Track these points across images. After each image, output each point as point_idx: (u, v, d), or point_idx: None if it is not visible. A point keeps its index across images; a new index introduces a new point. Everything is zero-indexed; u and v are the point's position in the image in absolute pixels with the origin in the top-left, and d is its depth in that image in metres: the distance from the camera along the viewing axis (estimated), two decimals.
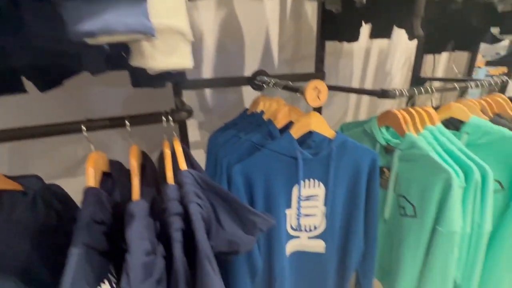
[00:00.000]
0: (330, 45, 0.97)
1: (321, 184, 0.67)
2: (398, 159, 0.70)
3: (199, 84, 0.82)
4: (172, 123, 0.49)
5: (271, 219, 0.51)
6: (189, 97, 1.09)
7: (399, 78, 1.62)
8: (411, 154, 0.67)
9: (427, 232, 0.65)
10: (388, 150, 0.73)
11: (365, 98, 1.47)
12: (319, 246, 0.73)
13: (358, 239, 0.73)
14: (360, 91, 0.81)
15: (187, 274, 0.39)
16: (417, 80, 1.15)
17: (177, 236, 0.40)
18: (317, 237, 0.72)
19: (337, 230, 0.72)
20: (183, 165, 0.47)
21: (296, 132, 0.62)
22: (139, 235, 0.40)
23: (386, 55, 1.45)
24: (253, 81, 0.84)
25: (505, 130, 0.70)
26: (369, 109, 1.52)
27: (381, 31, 0.84)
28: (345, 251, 0.75)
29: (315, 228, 0.71)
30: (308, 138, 0.69)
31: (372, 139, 0.77)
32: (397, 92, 0.70)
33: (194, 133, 1.12)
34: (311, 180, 0.66)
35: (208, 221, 0.46)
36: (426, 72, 1.30)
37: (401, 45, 1.46)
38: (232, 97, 1.14)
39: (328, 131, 0.64)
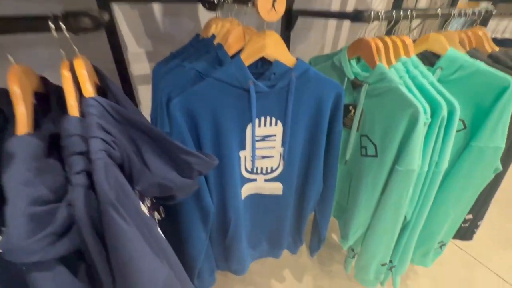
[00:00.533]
0: None
1: (279, 122, 0.59)
2: (366, 94, 0.63)
3: None
4: (66, 33, 0.35)
5: (212, 160, 0.43)
6: (135, 22, 0.89)
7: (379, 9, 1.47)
8: (380, 87, 0.59)
9: (385, 172, 0.63)
10: (356, 85, 0.65)
11: (344, 32, 1.33)
12: (276, 188, 0.69)
13: (317, 180, 0.70)
14: (330, 14, 0.68)
15: (94, 226, 0.31)
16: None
17: (77, 180, 0.31)
18: (274, 179, 0.68)
19: (295, 171, 0.67)
20: (86, 91, 0.36)
21: (247, 57, 0.51)
22: (21, 180, 0.30)
23: None
24: None
25: (480, 64, 0.64)
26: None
27: None
28: (303, 192, 0.72)
29: (272, 170, 0.66)
30: (264, 66, 0.58)
31: (341, 73, 0.68)
32: (372, 14, 0.59)
33: (142, 65, 0.95)
34: (267, 117, 0.58)
35: (128, 162, 0.37)
36: (408, 4, 1.17)
37: None
38: (187, 23, 0.96)
39: (287, 57, 0.53)
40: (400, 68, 0.62)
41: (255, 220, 0.75)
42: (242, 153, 0.60)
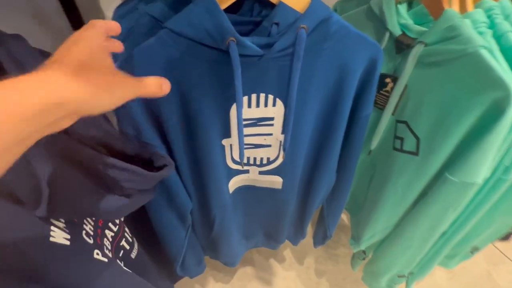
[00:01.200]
0: None
1: (278, 101, 0.40)
2: (418, 61, 0.41)
3: None
4: None
5: (159, 170, 0.27)
6: None
7: None
8: (444, 51, 0.37)
9: (427, 178, 0.45)
10: (402, 44, 0.42)
11: None
12: (274, 182, 0.54)
13: (329, 173, 0.53)
14: None
15: None
16: None
17: None
18: (271, 172, 0.51)
19: (299, 164, 0.50)
20: None
21: None
22: None
23: None
24: None
25: None
26: None
27: None
28: (309, 187, 0.56)
29: (268, 161, 0.49)
30: (263, 11, 0.38)
31: (379, 25, 0.45)
32: None
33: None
34: (262, 94, 0.39)
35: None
36: None
37: None
38: None
39: None
40: (480, 18, 0.38)
41: (249, 212, 0.62)
42: (226, 141, 0.44)
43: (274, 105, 0.40)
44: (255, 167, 0.50)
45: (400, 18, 0.43)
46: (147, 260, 0.53)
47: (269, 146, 0.46)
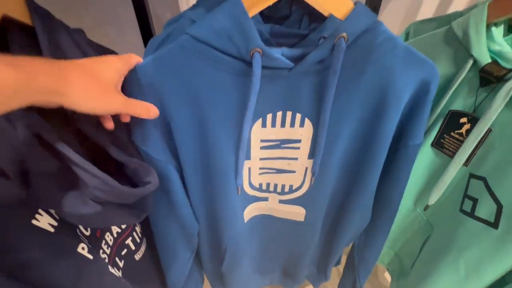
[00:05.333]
0: None
1: (307, 122, 0.34)
2: (510, 99, 0.30)
3: None
4: None
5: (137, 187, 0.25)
6: None
7: None
8: None
9: (507, 262, 0.31)
10: (489, 75, 0.32)
11: None
12: (296, 213, 0.46)
13: (361, 210, 0.43)
14: None
15: None
16: None
17: None
18: (293, 201, 0.44)
19: (327, 194, 0.42)
20: None
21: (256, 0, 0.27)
22: None
23: None
24: None
25: None
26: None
27: None
28: (337, 223, 0.47)
29: (290, 189, 0.43)
30: (312, 24, 0.33)
31: (461, 51, 0.36)
32: None
33: None
34: (288, 112, 0.34)
35: None
36: None
37: None
38: None
39: (336, 2, 0.27)
40: None
41: (266, 245, 0.54)
42: (245, 164, 0.39)
43: (302, 125, 0.35)
44: (275, 194, 0.44)
45: (492, 44, 0.33)
46: (152, 265, 0.51)
47: (293, 172, 0.40)
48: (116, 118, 0.30)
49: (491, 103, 0.31)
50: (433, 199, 0.41)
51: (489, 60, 0.32)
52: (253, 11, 0.27)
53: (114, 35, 0.90)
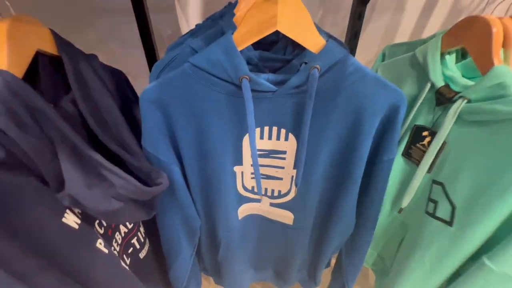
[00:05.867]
0: None
1: (291, 136, 0.40)
2: (458, 117, 0.36)
3: None
4: None
5: (153, 186, 0.31)
6: None
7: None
8: (489, 111, 0.32)
9: (460, 255, 0.36)
10: (442, 97, 0.38)
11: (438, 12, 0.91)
12: (285, 216, 0.52)
13: (345, 218, 0.48)
14: None
15: None
16: None
17: None
18: (282, 205, 0.50)
19: (313, 202, 0.48)
20: None
21: (245, 36, 0.33)
22: None
23: None
24: None
25: None
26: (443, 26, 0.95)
27: None
28: (324, 230, 0.52)
29: (280, 194, 0.48)
30: (296, 50, 0.39)
31: (422, 74, 0.42)
32: None
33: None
34: (275, 127, 0.40)
35: (30, 165, 0.28)
36: None
37: None
38: None
39: (310, 37, 0.33)
40: None
41: (259, 243, 0.60)
42: (238, 168, 0.45)
43: (286, 139, 0.40)
44: (266, 198, 0.50)
45: (446, 69, 0.39)
46: (154, 263, 0.56)
47: (280, 179, 0.46)
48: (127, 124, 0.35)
49: (444, 119, 0.37)
50: (405, 202, 0.47)
51: (443, 84, 0.38)
52: (242, 46, 0.33)
53: (119, 52, 0.96)
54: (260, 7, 0.31)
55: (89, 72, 0.37)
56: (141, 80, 1.00)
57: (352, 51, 0.67)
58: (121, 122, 0.38)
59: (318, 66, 0.32)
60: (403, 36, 0.94)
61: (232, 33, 0.33)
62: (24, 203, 0.27)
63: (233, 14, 0.41)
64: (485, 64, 0.33)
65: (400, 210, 0.49)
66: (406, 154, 0.46)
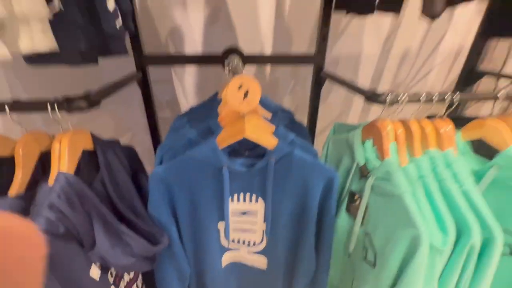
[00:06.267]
0: (335, 19, 0.74)
1: (260, 199, 0.55)
2: (371, 188, 0.52)
3: (159, 61, 0.73)
4: (58, 114, 0.42)
5: (156, 245, 0.44)
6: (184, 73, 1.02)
7: (438, 72, 1.24)
8: (384, 188, 0.49)
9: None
10: (362, 173, 0.55)
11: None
12: (260, 261, 0.64)
13: (306, 262, 0.61)
14: (351, 86, 0.60)
15: None
16: (469, 75, 0.83)
17: None
18: (258, 252, 0.63)
19: (281, 249, 0.61)
20: (58, 166, 0.42)
21: (225, 139, 0.50)
22: None
23: (420, 36, 1.10)
24: (223, 60, 0.71)
25: None
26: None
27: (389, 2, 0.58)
28: (292, 270, 0.64)
29: (254, 244, 0.62)
30: (246, 143, 0.56)
31: (352, 154, 0.59)
32: (388, 97, 0.49)
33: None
34: (247, 194, 0.55)
35: (78, 235, 0.41)
36: (489, 63, 0.93)
37: (448, 22, 1.09)
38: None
39: (267, 140, 0.50)
40: (424, 165, 0.49)
41: (239, 286, 0.71)
42: (221, 225, 0.59)
43: (256, 201, 0.55)
44: (244, 247, 0.63)
45: (365, 152, 0.57)
46: None
47: (254, 232, 0.59)
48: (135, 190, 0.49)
49: (364, 189, 0.53)
50: (351, 248, 0.61)
51: (363, 163, 0.55)
52: (222, 146, 0.49)
53: (122, 112, 1.13)
54: (235, 122, 0.48)
55: (114, 158, 0.52)
56: (141, 136, 1.16)
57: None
58: (134, 194, 0.52)
59: (273, 158, 0.49)
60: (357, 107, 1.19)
61: (216, 136, 0.50)
62: (70, 260, 0.39)
63: (217, 114, 0.58)
64: (382, 155, 0.50)
65: (349, 255, 0.63)
66: (347, 210, 0.61)
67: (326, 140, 0.73)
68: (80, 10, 0.45)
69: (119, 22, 0.56)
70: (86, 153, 0.50)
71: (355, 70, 1.21)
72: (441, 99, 0.51)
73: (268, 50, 0.97)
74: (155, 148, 0.90)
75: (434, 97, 0.51)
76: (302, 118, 0.91)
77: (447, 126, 0.52)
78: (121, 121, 1.17)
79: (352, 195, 0.59)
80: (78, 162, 0.46)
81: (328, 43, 0.75)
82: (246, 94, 0.42)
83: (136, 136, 1.21)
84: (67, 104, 0.43)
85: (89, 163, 0.50)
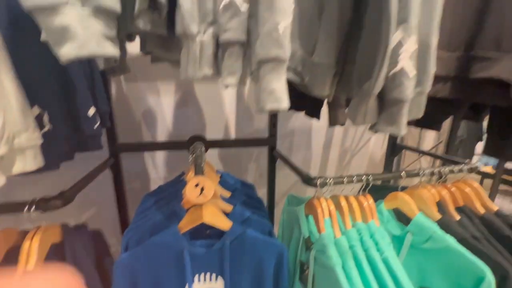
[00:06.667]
0: None
1: (220, 278, 0.60)
2: (314, 259, 0.61)
3: (131, 148, 0.83)
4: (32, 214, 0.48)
5: None
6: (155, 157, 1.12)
7: (376, 139, 1.52)
8: (322, 260, 0.58)
9: None
10: (307, 244, 0.64)
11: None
12: None
13: None
14: (293, 168, 0.74)
15: None
16: (392, 148, 1.03)
17: None
18: None
19: None
20: (25, 264, 0.46)
21: (186, 224, 0.58)
22: None
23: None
24: (189, 147, 0.82)
25: (449, 240, 0.58)
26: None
27: (311, 110, 0.77)
28: None
29: None
30: (205, 227, 0.64)
31: (299, 227, 0.69)
32: (318, 181, 0.62)
33: None
34: (208, 273, 0.60)
35: None
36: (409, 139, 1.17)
37: None
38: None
39: (222, 223, 0.59)
40: (353, 236, 0.60)
41: None
42: None
43: (217, 280, 0.60)
44: None
45: (309, 225, 0.67)
46: None
47: None
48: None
49: (309, 260, 0.61)
50: None
51: (307, 236, 0.65)
52: (184, 230, 0.57)
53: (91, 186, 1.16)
54: (193, 211, 0.57)
55: (80, 248, 0.56)
56: (108, 210, 1.17)
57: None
58: (97, 283, 0.55)
59: (228, 238, 0.57)
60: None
61: (179, 221, 0.57)
62: None
63: (181, 197, 0.67)
64: (319, 229, 0.61)
65: None
66: (300, 279, 0.68)
67: (282, 211, 0.83)
68: (66, 122, 0.55)
69: (97, 123, 0.67)
70: (54, 246, 0.54)
71: (308, 140, 1.40)
72: (359, 180, 0.65)
73: (232, 131, 1.13)
74: (121, 222, 0.92)
75: (354, 179, 0.65)
76: (264, 187, 1.03)
77: (368, 201, 0.65)
78: (87, 195, 1.19)
79: (302, 265, 0.67)
80: (46, 256, 0.50)
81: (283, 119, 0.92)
82: (202, 190, 0.52)
83: (104, 209, 1.22)
84: (43, 204, 0.49)
85: (55, 254, 0.54)
